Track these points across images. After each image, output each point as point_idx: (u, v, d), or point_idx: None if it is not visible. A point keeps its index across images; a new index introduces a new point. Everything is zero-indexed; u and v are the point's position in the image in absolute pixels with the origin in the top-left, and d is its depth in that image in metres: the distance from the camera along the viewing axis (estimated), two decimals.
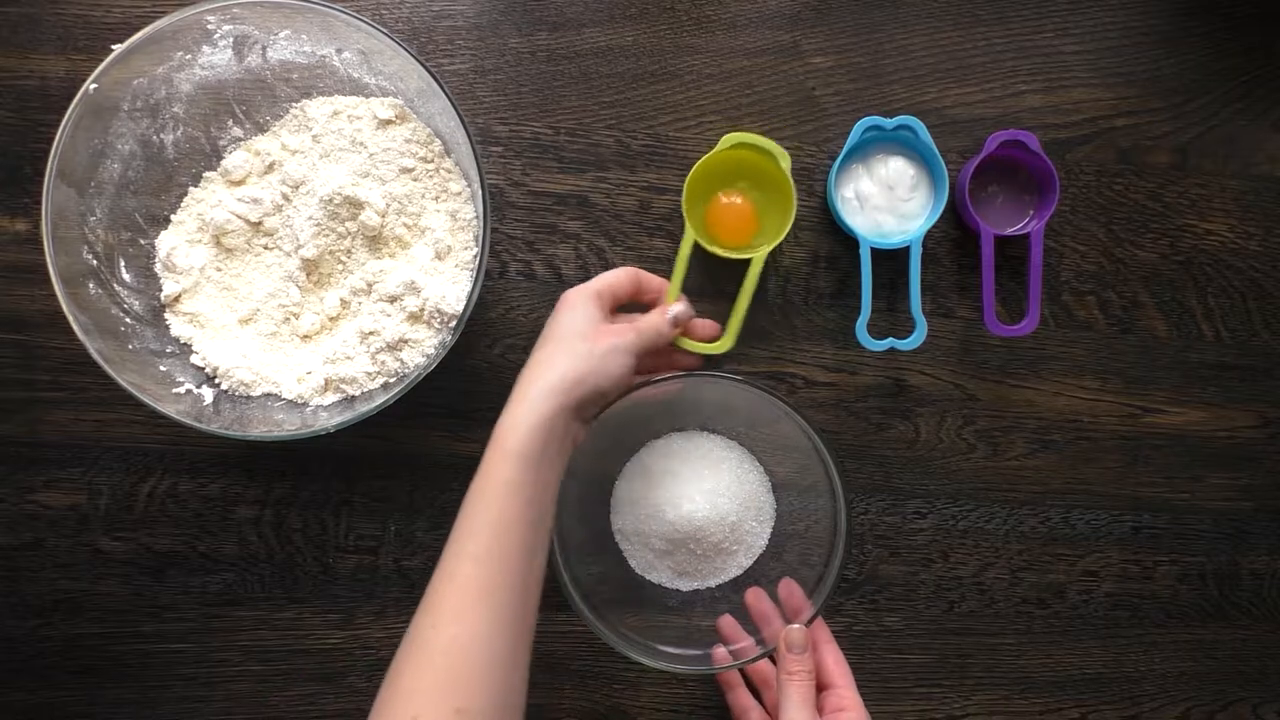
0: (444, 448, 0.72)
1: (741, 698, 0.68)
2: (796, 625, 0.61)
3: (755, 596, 0.67)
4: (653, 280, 0.69)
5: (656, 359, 0.68)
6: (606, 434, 0.66)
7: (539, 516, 0.57)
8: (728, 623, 0.67)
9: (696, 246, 0.68)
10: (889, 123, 0.69)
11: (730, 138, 0.68)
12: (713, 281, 0.72)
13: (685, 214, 0.68)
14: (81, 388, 0.71)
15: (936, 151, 0.69)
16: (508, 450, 0.57)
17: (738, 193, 0.70)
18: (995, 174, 0.72)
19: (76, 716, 0.72)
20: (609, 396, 0.62)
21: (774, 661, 0.63)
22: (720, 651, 0.65)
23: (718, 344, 0.69)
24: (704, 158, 0.68)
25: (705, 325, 0.69)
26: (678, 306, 0.66)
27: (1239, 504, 0.76)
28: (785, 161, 0.68)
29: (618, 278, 0.66)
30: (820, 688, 0.62)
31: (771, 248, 0.68)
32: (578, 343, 0.61)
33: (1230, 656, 0.76)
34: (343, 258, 0.69)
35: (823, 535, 0.66)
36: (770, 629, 0.64)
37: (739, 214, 0.70)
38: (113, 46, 0.61)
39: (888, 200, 0.71)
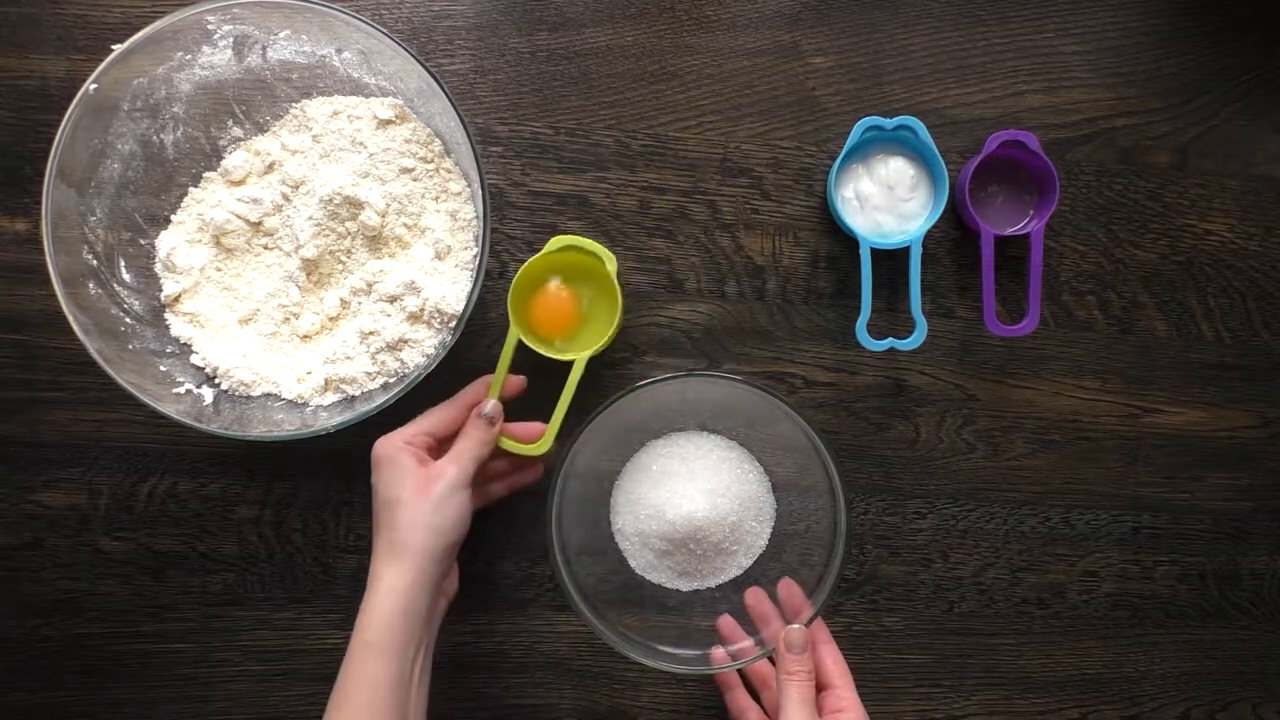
0: None
1: (740, 698, 0.68)
2: (796, 625, 0.61)
3: (755, 597, 0.67)
4: (476, 393, 0.65)
5: (492, 467, 0.67)
6: (606, 434, 0.66)
7: (403, 696, 0.58)
8: (727, 623, 0.67)
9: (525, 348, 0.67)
10: (889, 123, 0.69)
11: (557, 240, 0.66)
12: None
13: (510, 313, 0.66)
14: (81, 388, 0.71)
15: (936, 151, 0.69)
16: (368, 643, 0.58)
17: (562, 286, 0.67)
18: (995, 174, 0.72)
19: (76, 716, 0.72)
20: (459, 542, 0.62)
21: (773, 662, 0.63)
22: (719, 652, 0.65)
23: (536, 445, 0.66)
24: (532, 259, 0.66)
25: (528, 427, 0.67)
26: (487, 404, 0.64)
27: (1239, 504, 0.76)
28: (611, 265, 0.66)
29: (431, 421, 0.64)
30: (819, 688, 0.62)
31: (593, 353, 0.67)
32: (404, 511, 0.60)
33: (1230, 656, 0.76)
34: (343, 258, 0.69)
35: (823, 535, 0.66)
36: (769, 630, 0.64)
37: (559, 306, 0.67)
38: (113, 46, 0.61)
39: (888, 200, 0.71)
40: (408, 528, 0.59)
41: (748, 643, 0.65)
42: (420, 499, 0.60)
